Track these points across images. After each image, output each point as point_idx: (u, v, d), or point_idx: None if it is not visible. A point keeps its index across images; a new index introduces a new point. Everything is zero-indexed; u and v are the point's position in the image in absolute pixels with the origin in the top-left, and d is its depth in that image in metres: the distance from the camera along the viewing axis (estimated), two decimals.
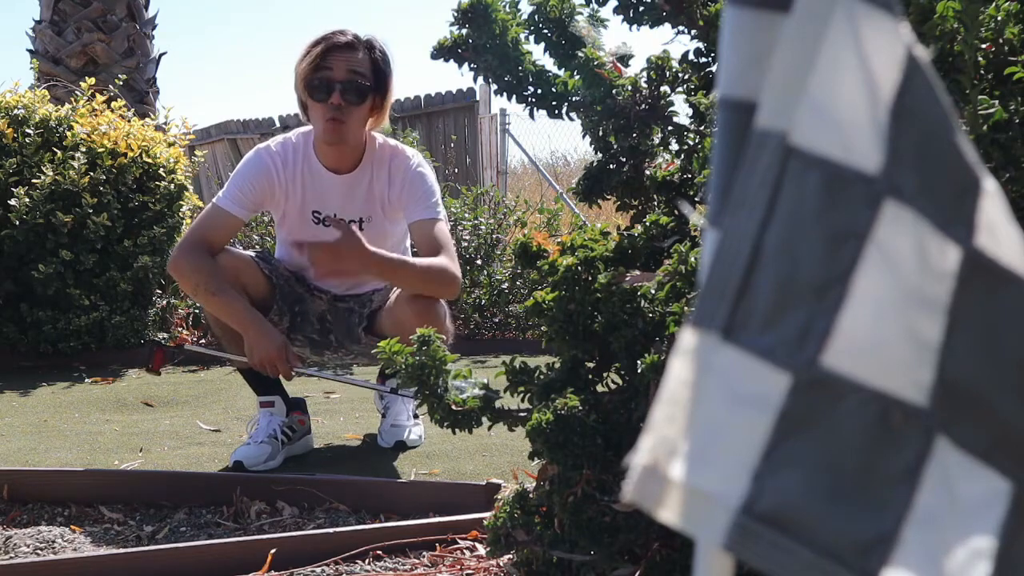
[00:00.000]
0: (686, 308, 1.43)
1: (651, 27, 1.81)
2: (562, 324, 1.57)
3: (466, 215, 5.88)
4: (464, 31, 1.83)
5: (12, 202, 4.77)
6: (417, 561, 2.03)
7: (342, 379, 3.21)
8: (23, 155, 4.94)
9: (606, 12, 1.86)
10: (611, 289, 1.53)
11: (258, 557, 1.98)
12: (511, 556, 1.74)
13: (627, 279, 1.55)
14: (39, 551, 2.19)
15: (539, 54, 1.86)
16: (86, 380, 4.56)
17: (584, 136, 1.92)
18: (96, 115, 5.25)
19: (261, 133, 10.91)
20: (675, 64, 1.86)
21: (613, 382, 1.60)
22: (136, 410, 3.87)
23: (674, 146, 1.90)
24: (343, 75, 2.76)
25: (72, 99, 5.38)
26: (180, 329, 5.56)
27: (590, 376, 1.60)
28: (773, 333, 0.57)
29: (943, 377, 0.59)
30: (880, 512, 0.57)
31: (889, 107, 0.59)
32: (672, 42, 1.83)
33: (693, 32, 1.81)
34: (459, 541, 2.08)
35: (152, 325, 5.29)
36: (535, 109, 1.89)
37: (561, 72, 1.87)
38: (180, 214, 5.34)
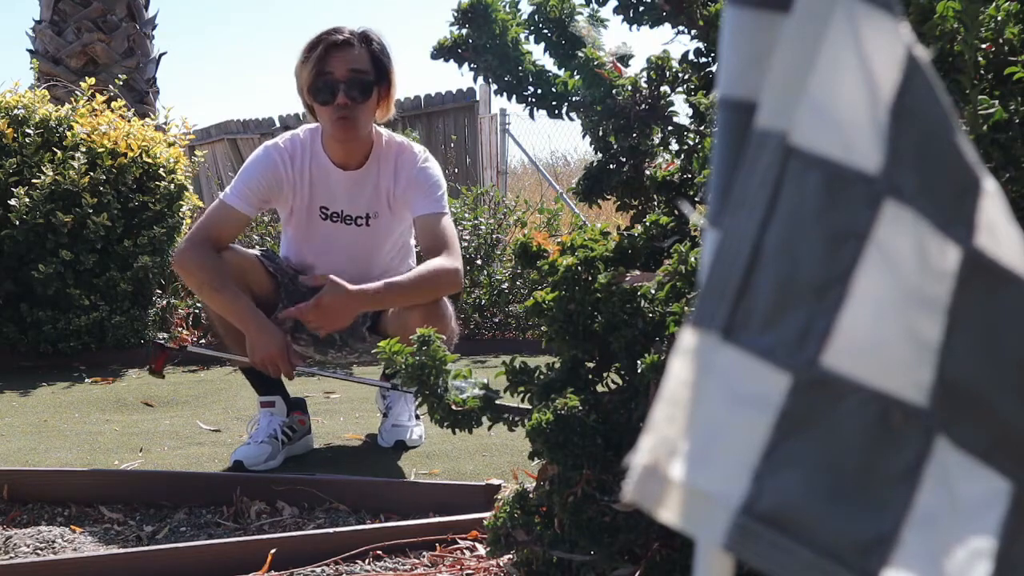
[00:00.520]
0: (686, 308, 1.43)
1: (651, 27, 1.81)
2: (562, 324, 1.57)
3: (466, 215, 5.88)
4: (464, 31, 1.83)
5: (12, 202, 4.77)
6: (417, 561, 2.03)
7: (343, 377, 3.21)
8: (23, 155, 4.94)
9: (606, 12, 1.86)
10: (611, 289, 1.53)
11: (258, 557, 1.98)
12: (511, 556, 1.74)
13: (627, 279, 1.55)
14: (39, 551, 2.19)
15: (539, 54, 1.87)
16: (86, 380, 4.56)
17: (584, 136, 1.92)
18: (96, 115, 5.25)
19: (261, 133, 10.91)
20: (675, 64, 1.86)
21: (613, 382, 1.60)
22: (136, 410, 3.87)
23: (674, 146, 1.90)
24: (345, 74, 2.77)
25: (72, 99, 5.38)
26: (180, 329, 5.56)
27: (590, 376, 1.60)
28: (773, 333, 0.57)
29: (943, 377, 0.59)
30: (880, 512, 0.57)
31: (889, 107, 0.59)
32: (672, 42, 1.83)
33: (693, 32, 1.81)
34: (459, 541, 2.08)
35: (152, 325, 5.29)
36: (535, 109, 1.89)
37: (561, 72, 1.87)
38: (180, 214, 5.34)
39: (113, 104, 5.41)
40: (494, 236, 5.91)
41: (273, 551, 1.99)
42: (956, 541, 0.58)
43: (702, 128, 1.80)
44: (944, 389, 0.59)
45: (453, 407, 1.60)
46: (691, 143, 1.86)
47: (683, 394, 0.57)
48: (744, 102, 0.61)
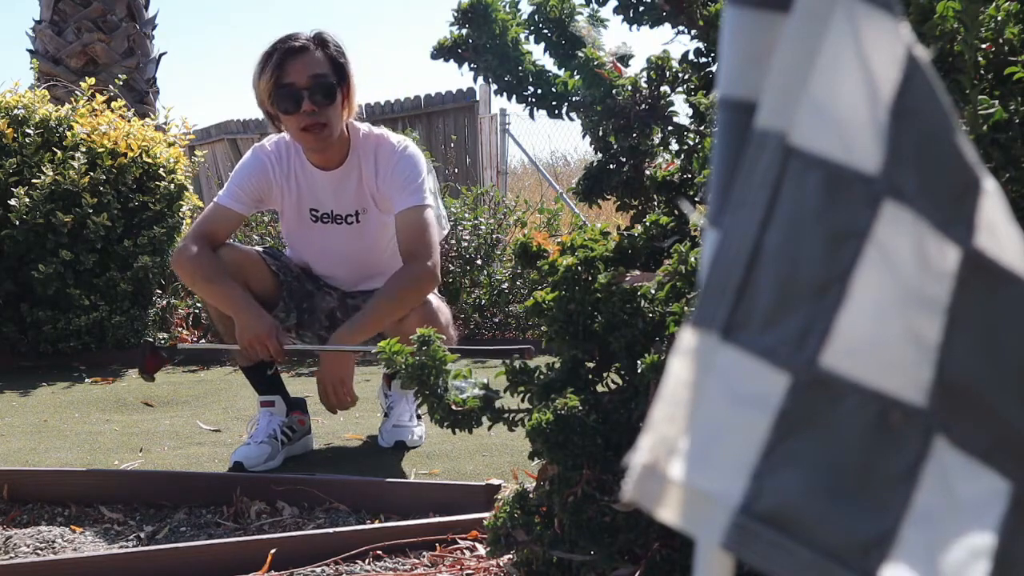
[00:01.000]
0: (686, 308, 1.43)
1: (651, 27, 1.81)
2: (562, 324, 1.57)
3: (466, 215, 5.87)
4: (464, 31, 1.83)
5: (12, 202, 4.77)
6: (417, 561, 2.03)
7: (332, 348, 3.13)
8: (23, 155, 4.94)
9: (606, 12, 1.86)
10: (611, 289, 1.53)
11: (258, 557, 1.98)
12: (511, 556, 1.74)
13: (627, 279, 1.55)
14: (39, 551, 2.19)
15: (539, 54, 1.87)
16: (86, 380, 4.56)
17: (584, 136, 1.92)
18: (96, 115, 5.25)
19: (261, 133, 10.90)
20: (675, 64, 1.86)
21: (613, 382, 1.60)
22: (136, 410, 3.87)
23: (674, 146, 1.90)
24: (306, 81, 2.74)
25: (72, 99, 5.38)
26: (180, 329, 5.56)
27: (590, 376, 1.60)
28: (773, 333, 0.57)
29: (942, 377, 0.59)
30: (879, 512, 0.57)
31: (889, 107, 0.59)
32: (672, 42, 1.83)
33: (693, 32, 1.81)
34: (459, 541, 2.08)
35: (152, 325, 5.29)
36: (535, 109, 1.89)
37: (561, 72, 1.87)
38: (180, 214, 5.34)
39: (113, 104, 5.41)
40: (494, 236, 5.91)
41: (273, 551, 1.99)
42: (955, 540, 0.58)
43: (702, 128, 1.80)
44: (943, 389, 0.59)
45: (453, 407, 1.60)
46: (691, 143, 1.86)
47: (683, 394, 0.57)
48: (744, 102, 0.61)
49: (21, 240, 4.83)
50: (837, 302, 0.57)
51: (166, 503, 2.49)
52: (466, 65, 1.87)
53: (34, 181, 4.85)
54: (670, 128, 1.88)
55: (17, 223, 4.78)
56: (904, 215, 0.59)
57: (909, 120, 0.60)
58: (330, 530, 2.12)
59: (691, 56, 1.85)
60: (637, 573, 1.50)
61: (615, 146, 1.90)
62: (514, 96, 1.87)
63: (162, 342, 5.31)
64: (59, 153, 4.94)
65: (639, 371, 1.49)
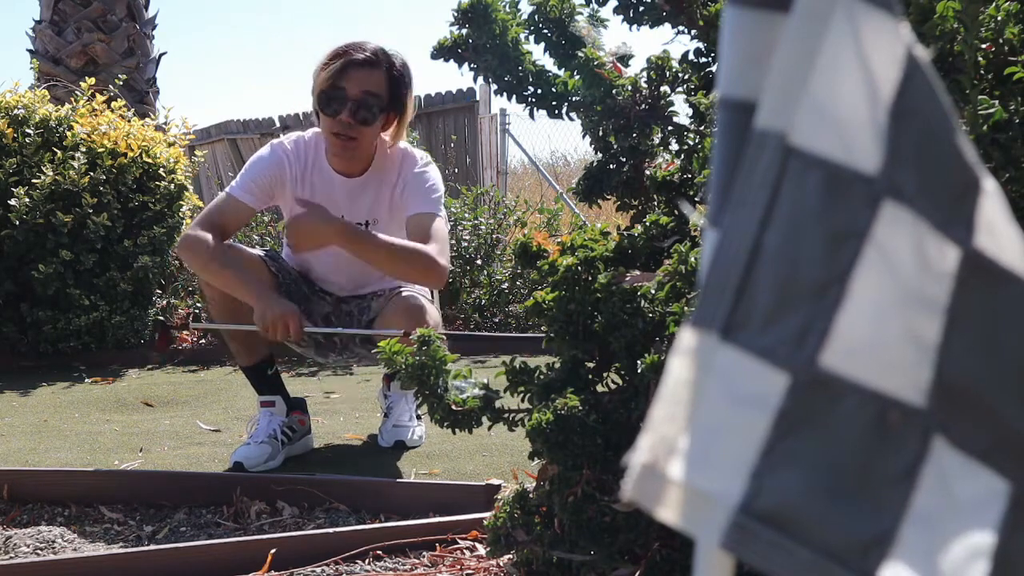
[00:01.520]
0: (686, 308, 1.43)
1: (651, 27, 1.81)
2: (562, 324, 1.57)
3: (466, 215, 5.88)
4: (464, 31, 1.83)
5: (12, 202, 4.77)
6: (417, 561, 2.03)
7: (351, 332, 3.09)
8: (23, 155, 4.94)
9: (606, 12, 1.86)
10: (611, 289, 1.53)
11: (258, 557, 1.98)
12: (511, 556, 1.74)
13: (627, 279, 1.55)
14: (39, 551, 2.19)
15: (539, 54, 1.87)
16: (86, 380, 4.56)
17: (584, 136, 1.92)
18: (96, 115, 5.25)
19: (261, 133, 10.91)
20: (675, 64, 1.86)
21: (613, 382, 1.60)
22: (136, 410, 3.88)
23: (674, 146, 1.91)
24: (356, 93, 2.76)
25: (72, 99, 5.38)
26: (180, 329, 5.57)
27: (590, 376, 1.60)
28: (772, 333, 0.57)
29: (941, 378, 0.59)
30: (878, 512, 0.57)
31: (889, 107, 0.59)
32: (672, 42, 1.83)
33: (693, 32, 1.81)
34: (459, 541, 2.08)
35: (152, 325, 5.29)
36: (535, 109, 1.89)
37: (561, 72, 1.87)
38: (180, 214, 5.34)
39: (113, 104, 5.41)
40: (494, 236, 5.91)
41: (273, 551, 1.99)
42: (954, 540, 0.58)
43: (702, 128, 1.80)
44: (942, 389, 0.59)
45: (453, 407, 1.60)
46: (691, 143, 1.86)
47: (682, 393, 0.57)
48: (744, 102, 0.61)
49: (21, 240, 4.83)
50: (836, 302, 0.57)
51: (166, 503, 2.49)
52: (466, 65, 1.87)
53: (34, 181, 4.85)
54: (670, 128, 1.88)
55: (17, 223, 4.78)
56: (904, 215, 0.59)
57: (909, 120, 0.60)
58: (330, 530, 2.12)
59: (691, 56, 1.85)
60: (637, 573, 1.50)
61: (615, 146, 1.90)
62: (514, 96, 1.87)
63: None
64: (59, 153, 4.94)
65: (639, 371, 1.49)
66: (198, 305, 5.46)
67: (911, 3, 1.43)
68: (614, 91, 1.82)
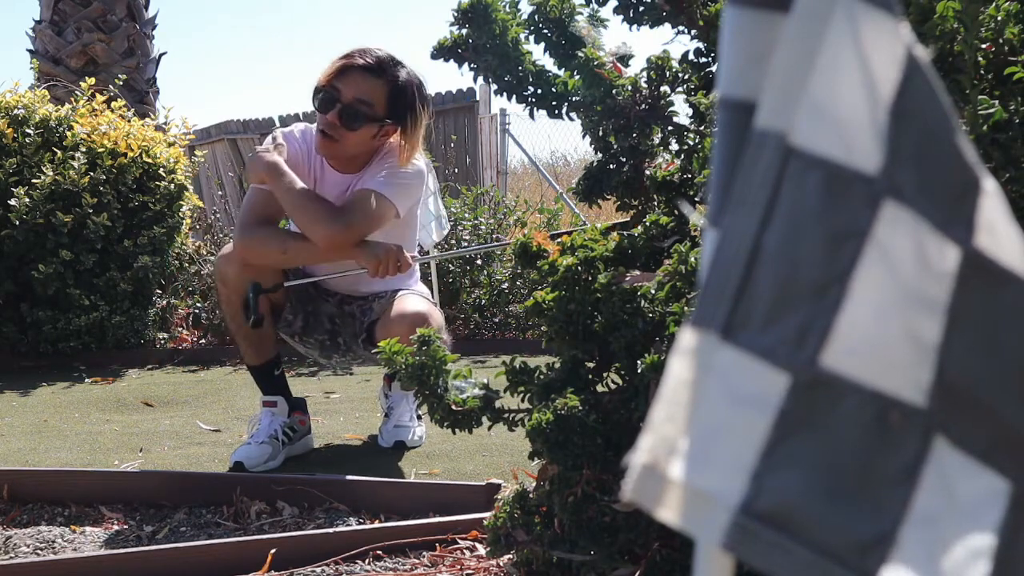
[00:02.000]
0: (686, 308, 1.43)
1: (651, 27, 1.81)
2: (562, 324, 1.57)
3: (466, 215, 5.88)
4: (464, 31, 1.83)
5: (12, 202, 4.77)
6: (417, 561, 2.03)
7: (338, 275, 3.03)
8: (23, 155, 4.94)
9: (606, 12, 1.86)
10: (611, 289, 1.53)
11: (258, 557, 1.98)
12: (511, 556, 1.74)
13: (627, 279, 1.55)
14: (39, 551, 2.19)
15: (539, 54, 1.87)
16: (86, 380, 4.56)
17: (584, 136, 1.92)
18: (96, 115, 5.25)
19: (261, 133, 10.91)
20: (675, 64, 1.86)
21: (613, 382, 1.60)
22: (136, 410, 3.88)
23: (674, 146, 1.90)
24: (348, 97, 2.76)
25: (72, 99, 5.38)
26: (180, 329, 5.57)
27: (590, 376, 1.60)
28: (772, 333, 0.57)
29: (942, 377, 0.59)
30: (879, 512, 0.57)
31: (889, 107, 0.59)
32: (672, 42, 1.83)
33: (693, 32, 1.81)
34: (459, 541, 2.08)
35: (152, 325, 5.29)
36: (535, 109, 1.89)
37: (561, 72, 1.87)
38: (180, 214, 5.34)
39: (113, 104, 5.41)
40: (494, 236, 5.91)
41: (273, 551, 1.99)
42: (955, 540, 0.58)
43: (702, 128, 1.80)
44: (943, 389, 0.59)
45: (453, 407, 1.60)
46: (691, 143, 1.86)
47: (682, 394, 0.57)
48: (744, 102, 0.61)
49: (21, 240, 4.83)
50: (837, 302, 0.57)
51: (166, 503, 2.49)
52: (466, 65, 1.87)
53: (34, 181, 4.84)
54: (670, 128, 1.88)
55: (17, 223, 4.78)
56: (904, 215, 0.59)
57: (909, 120, 0.60)
58: (330, 530, 2.12)
59: (691, 56, 1.85)
60: (637, 573, 1.50)
61: (615, 146, 1.90)
62: (514, 96, 1.87)
63: (162, 342, 5.32)
64: (59, 153, 4.94)
65: (639, 371, 1.49)
66: (198, 305, 5.46)
67: (911, 3, 1.43)
68: (614, 91, 1.82)
